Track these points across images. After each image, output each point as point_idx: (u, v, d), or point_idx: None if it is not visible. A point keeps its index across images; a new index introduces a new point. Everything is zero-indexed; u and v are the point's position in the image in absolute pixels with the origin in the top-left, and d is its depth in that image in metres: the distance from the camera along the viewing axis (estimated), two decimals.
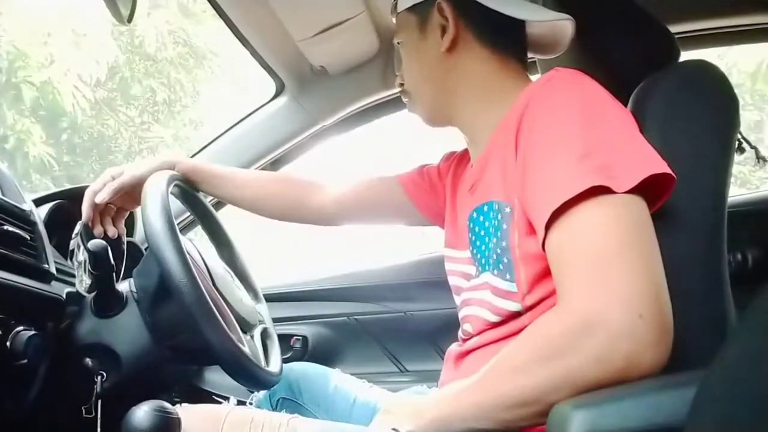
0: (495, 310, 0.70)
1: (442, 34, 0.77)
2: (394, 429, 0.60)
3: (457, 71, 0.78)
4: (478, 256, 0.75)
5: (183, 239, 0.79)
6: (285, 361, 1.01)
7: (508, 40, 0.78)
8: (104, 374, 0.82)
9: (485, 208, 0.73)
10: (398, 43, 0.84)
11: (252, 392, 1.03)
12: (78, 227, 0.95)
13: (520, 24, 0.78)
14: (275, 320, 1.13)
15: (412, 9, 0.80)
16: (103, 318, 0.86)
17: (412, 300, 1.44)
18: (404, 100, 0.87)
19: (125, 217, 1.05)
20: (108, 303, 0.86)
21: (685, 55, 0.78)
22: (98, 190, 0.96)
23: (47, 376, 0.81)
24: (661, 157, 0.58)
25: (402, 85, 0.86)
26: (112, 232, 0.99)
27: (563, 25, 0.77)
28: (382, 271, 1.52)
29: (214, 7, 1.09)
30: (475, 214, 0.75)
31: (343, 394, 0.96)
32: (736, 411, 0.38)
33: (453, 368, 0.79)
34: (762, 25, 1.21)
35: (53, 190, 1.09)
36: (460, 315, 0.80)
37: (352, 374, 1.03)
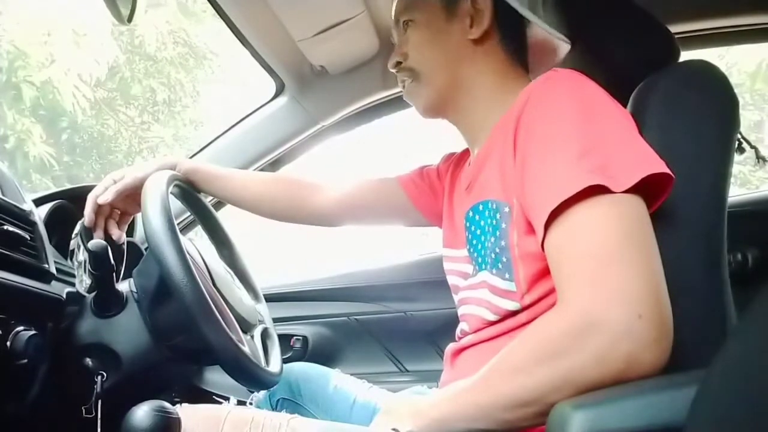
0: (493, 309, 0.70)
1: (471, 23, 0.77)
2: (394, 429, 0.60)
3: (474, 64, 0.78)
4: (475, 254, 0.75)
5: (183, 239, 0.79)
6: (285, 361, 1.01)
7: (518, 42, 0.80)
8: (104, 374, 0.82)
9: (481, 207, 0.73)
10: (406, 22, 0.81)
11: (252, 392, 1.03)
12: (78, 227, 0.95)
13: (526, 26, 0.80)
14: (275, 320, 1.13)
15: None
16: (103, 318, 0.86)
17: (412, 300, 1.44)
18: (405, 80, 0.84)
19: (129, 222, 1.05)
20: (108, 303, 0.86)
21: (685, 55, 0.78)
22: (100, 194, 0.96)
23: (47, 376, 0.81)
24: (659, 157, 0.58)
25: (400, 63, 0.83)
26: (116, 235, 0.99)
27: (559, 42, 0.78)
28: (382, 271, 1.51)
29: (214, 7, 1.09)
30: (471, 213, 0.75)
31: (343, 395, 0.96)
32: (736, 411, 0.38)
33: (449, 366, 0.79)
34: (762, 25, 1.21)
35: (53, 190, 1.09)
36: (458, 313, 0.81)
37: (352, 374, 1.03)
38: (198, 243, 0.95)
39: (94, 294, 0.87)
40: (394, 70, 0.84)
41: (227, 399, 1.37)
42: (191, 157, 1.40)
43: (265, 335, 1.00)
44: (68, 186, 1.14)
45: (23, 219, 0.82)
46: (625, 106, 0.70)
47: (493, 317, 0.71)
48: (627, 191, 0.55)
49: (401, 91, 0.87)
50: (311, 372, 1.01)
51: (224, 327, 0.75)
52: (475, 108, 0.79)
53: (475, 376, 0.59)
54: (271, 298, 1.22)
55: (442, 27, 0.79)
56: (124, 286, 0.89)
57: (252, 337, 0.95)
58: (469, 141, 0.84)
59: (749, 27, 1.22)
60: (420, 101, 0.83)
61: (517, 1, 0.73)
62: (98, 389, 0.81)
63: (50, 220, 0.98)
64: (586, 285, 0.53)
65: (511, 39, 0.79)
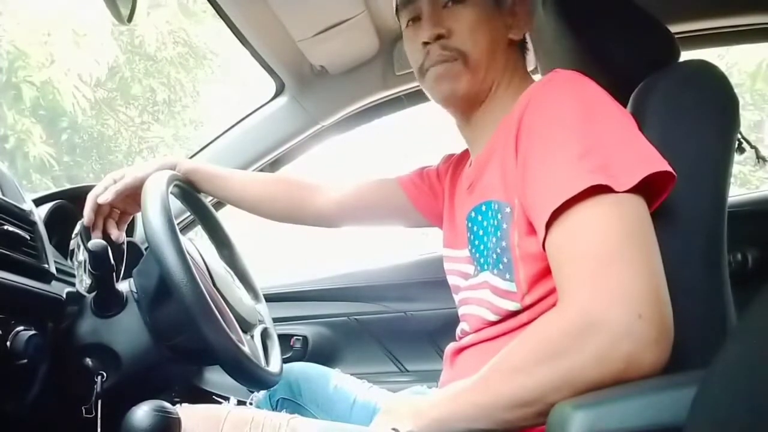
0: (494, 309, 0.70)
1: (511, 23, 0.79)
2: (394, 429, 0.60)
3: (503, 63, 0.79)
4: (477, 255, 0.75)
5: (183, 239, 0.79)
6: (285, 361, 1.01)
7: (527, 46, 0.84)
8: (104, 374, 0.82)
9: (483, 207, 0.73)
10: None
11: (252, 392, 1.03)
12: (78, 227, 0.95)
13: None
14: (275, 320, 1.13)
15: None
16: (103, 318, 0.86)
17: (412, 300, 1.44)
18: (446, 61, 0.75)
19: (128, 221, 1.05)
20: (108, 303, 0.86)
21: (685, 55, 0.78)
22: (100, 194, 0.96)
23: (47, 376, 0.81)
24: (660, 155, 0.58)
25: (440, 37, 0.75)
26: (115, 234, 0.99)
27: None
28: (382, 271, 1.51)
29: (214, 7, 1.09)
30: (473, 214, 0.75)
31: (343, 395, 0.96)
32: (735, 411, 0.38)
33: (449, 366, 0.79)
34: (762, 25, 1.21)
35: (53, 190, 1.09)
36: (459, 313, 0.81)
37: (352, 374, 1.03)
38: (198, 243, 0.95)
39: (94, 294, 0.87)
40: (428, 41, 0.76)
41: (227, 399, 1.37)
42: (191, 157, 1.40)
43: (265, 335, 1.00)
44: (68, 186, 1.14)
45: (23, 219, 0.82)
46: (625, 106, 0.70)
47: (493, 317, 0.71)
48: (628, 191, 0.55)
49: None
50: (311, 372, 1.01)
51: (224, 327, 0.75)
52: (489, 107, 0.79)
53: (475, 376, 0.59)
54: (271, 298, 1.22)
55: (491, 15, 0.77)
56: (124, 286, 0.89)
57: (252, 337, 0.95)
58: (471, 141, 0.84)
59: (749, 27, 1.22)
60: (459, 86, 0.76)
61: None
62: (98, 389, 0.81)
63: (50, 220, 0.98)
64: (587, 285, 0.53)
65: (526, 46, 0.83)
